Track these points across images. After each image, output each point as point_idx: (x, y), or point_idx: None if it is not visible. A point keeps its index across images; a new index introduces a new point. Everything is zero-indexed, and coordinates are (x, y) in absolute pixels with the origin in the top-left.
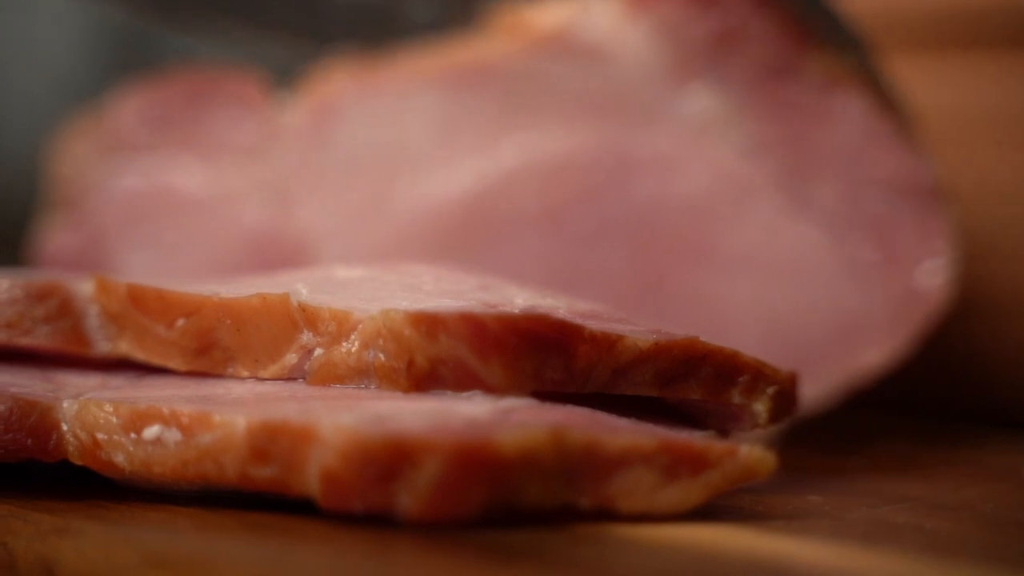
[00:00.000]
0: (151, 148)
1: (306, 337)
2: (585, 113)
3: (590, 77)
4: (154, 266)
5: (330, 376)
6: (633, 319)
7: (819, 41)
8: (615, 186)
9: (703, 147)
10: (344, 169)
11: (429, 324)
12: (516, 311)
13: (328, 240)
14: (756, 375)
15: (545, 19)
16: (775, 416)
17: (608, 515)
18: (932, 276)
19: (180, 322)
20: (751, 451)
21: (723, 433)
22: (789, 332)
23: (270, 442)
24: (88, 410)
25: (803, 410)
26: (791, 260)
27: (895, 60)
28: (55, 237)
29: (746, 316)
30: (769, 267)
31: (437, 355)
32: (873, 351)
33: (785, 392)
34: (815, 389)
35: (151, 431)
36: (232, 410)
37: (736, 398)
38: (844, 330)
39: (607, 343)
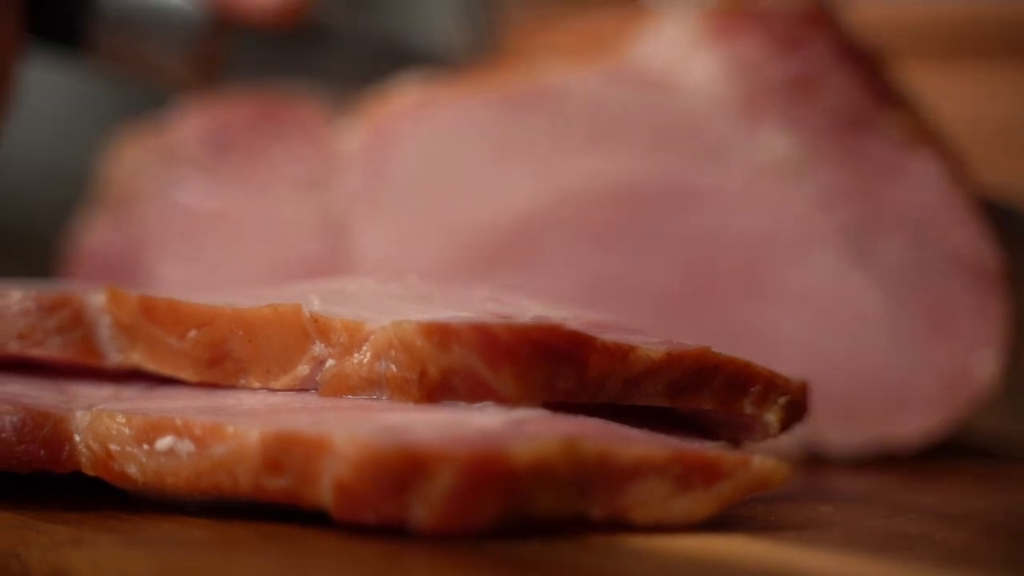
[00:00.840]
0: (208, 169)
1: (318, 348)
2: (646, 140)
3: (654, 106)
4: (192, 282)
5: (342, 387)
6: (646, 330)
7: (898, 99)
8: (672, 214)
9: (771, 188)
10: (400, 194)
11: (441, 335)
12: (528, 321)
13: (378, 267)
14: (768, 385)
15: (606, 44)
16: (786, 425)
17: (621, 525)
18: (982, 362)
19: (192, 333)
20: (764, 461)
21: (735, 443)
22: (830, 381)
23: (283, 453)
24: (101, 421)
25: (830, 456)
26: (845, 309)
27: (909, 69)
28: (95, 234)
29: (789, 355)
30: (822, 311)
31: (449, 366)
32: (909, 423)
33: (796, 402)
34: (843, 441)
35: (164, 442)
36: (245, 421)
37: (748, 408)
38: (884, 393)
39: (619, 354)
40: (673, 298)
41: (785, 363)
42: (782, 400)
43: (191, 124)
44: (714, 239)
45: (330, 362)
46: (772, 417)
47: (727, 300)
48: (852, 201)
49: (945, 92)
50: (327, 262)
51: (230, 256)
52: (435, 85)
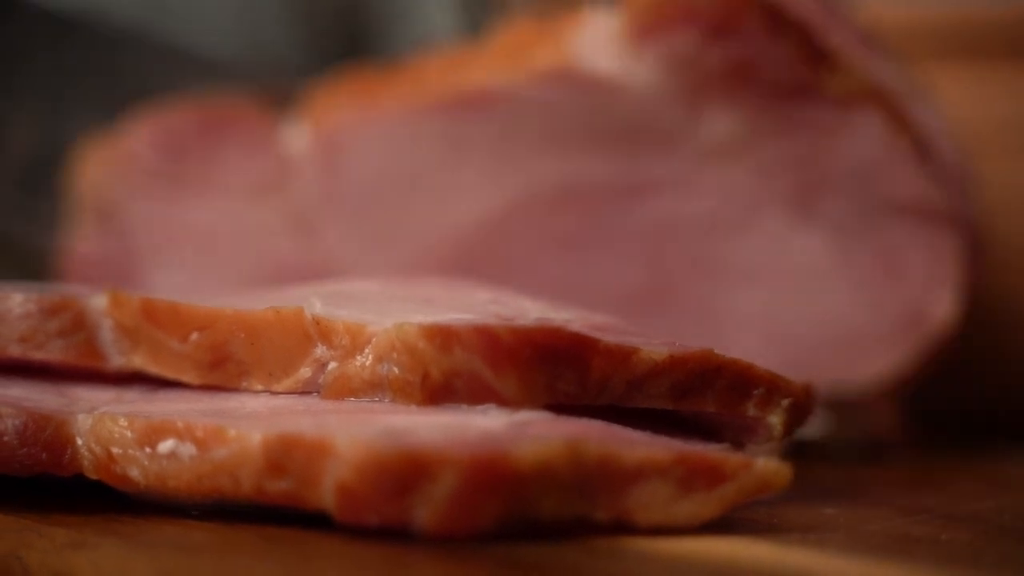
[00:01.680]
0: (167, 176)
1: (320, 351)
2: (595, 140)
3: (598, 107)
4: (180, 285)
5: (344, 390)
6: (647, 332)
7: (834, 61)
8: (627, 209)
9: (717, 170)
10: (358, 196)
11: (443, 337)
12: (530, 323)
13: (352, 266)
14: (771, 387)
15: (545, 47)
16: (790, 428)
17: (624, 528)
18: (938, 301)
19: (194, 336)
20: (767, 464)
21: (737, 446)
22: (792, 343)
23: (285, 456)
24: (103, 424)
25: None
26: (799, 272)
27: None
28: (82, 245)
29: (751, 326)
30: (775, 279)
31: (451, 368)
32: (868, 366)
33: (800, 404)
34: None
35: (166, 445)
36: (247, 424)
37: (751, 410)
38: (843, 341)
39: (622, 355)
40: (637, 291)
41: (747, 335)
42: (785, 402)
43: (142, 132)
44: (667, 227)
45: (332, 364)
46: (775, 419)
47: (688, 286)
48: (796, 167)
49: (957, 94)
50: (304, 263)
51: (209, 262)
52: (375, 81)
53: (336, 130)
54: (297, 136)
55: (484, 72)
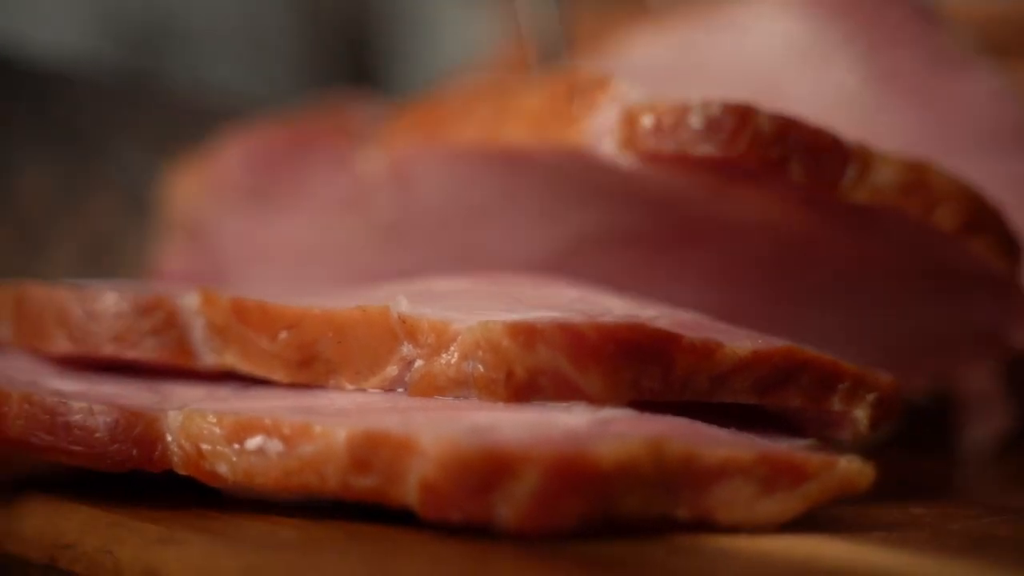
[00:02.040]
0: (256, 193)
1: (406, 349)
2: (635, 197)
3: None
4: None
5: (430, 387)
6: (731, 328)
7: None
8: (682, 249)
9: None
10: (429, 221)
11: (527, 334)
12: (614, 320)
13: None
14: (856, 382)
15: (565, 122)
16: (876, 423)
17: (706, 526)
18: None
19: (283, 335)
20: (850, 463)
21: (823, 440)
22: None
23: (370, 453)
24: (192, 421)
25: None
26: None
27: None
28: (173, 259)
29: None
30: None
31: (535, 365)
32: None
33: (885, 399)
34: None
35: (253, 442)
36: (333, 421)
37: (836, 405)
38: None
39: (706, 351)
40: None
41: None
42: (871, 397)
43: (233, 152)
44: (731, 263)
45: (418, 362)
46: (861, 414)
47: (764, 305)
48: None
49: None
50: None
51: (297, 275)
52: (430, 113)
53: (404, 158)
54: (371, 159)
55: (519, 133)
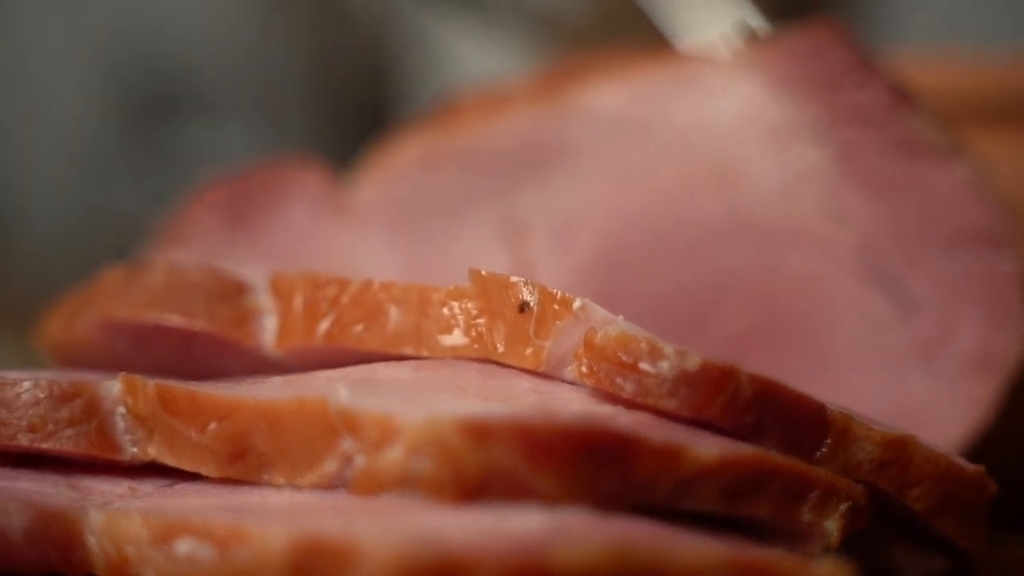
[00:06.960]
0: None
1: (346, 444)
2: None
3: None
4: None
5: (372, 485)
6: (697, 431)
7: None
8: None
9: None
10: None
11: (479, 432)
12: (571, 419)
13: None
14: (828, 491)
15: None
16: (847, 533)
17: None
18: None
19: (212, 426)
20: (824, 566)
21: (791, 551)
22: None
23: (311, 559)
24: (115, 522)
25: None
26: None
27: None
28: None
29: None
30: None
31: (487, 464)
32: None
33: (858, 508)
34: None
35: (183, 546)
36: (269, 522)
37: (806, 516)
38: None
39: (669, 455)
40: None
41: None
42: (843, 506)
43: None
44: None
45: (360, 458)
46: (832, 525)
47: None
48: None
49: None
50: None
51: None
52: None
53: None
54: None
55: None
